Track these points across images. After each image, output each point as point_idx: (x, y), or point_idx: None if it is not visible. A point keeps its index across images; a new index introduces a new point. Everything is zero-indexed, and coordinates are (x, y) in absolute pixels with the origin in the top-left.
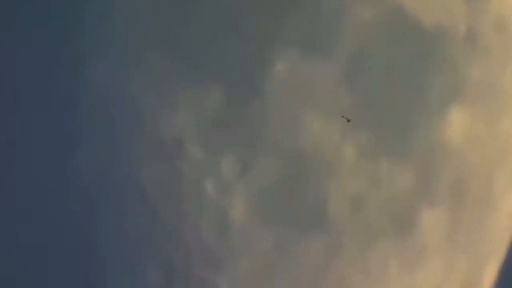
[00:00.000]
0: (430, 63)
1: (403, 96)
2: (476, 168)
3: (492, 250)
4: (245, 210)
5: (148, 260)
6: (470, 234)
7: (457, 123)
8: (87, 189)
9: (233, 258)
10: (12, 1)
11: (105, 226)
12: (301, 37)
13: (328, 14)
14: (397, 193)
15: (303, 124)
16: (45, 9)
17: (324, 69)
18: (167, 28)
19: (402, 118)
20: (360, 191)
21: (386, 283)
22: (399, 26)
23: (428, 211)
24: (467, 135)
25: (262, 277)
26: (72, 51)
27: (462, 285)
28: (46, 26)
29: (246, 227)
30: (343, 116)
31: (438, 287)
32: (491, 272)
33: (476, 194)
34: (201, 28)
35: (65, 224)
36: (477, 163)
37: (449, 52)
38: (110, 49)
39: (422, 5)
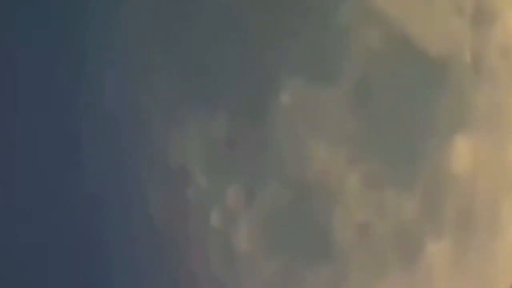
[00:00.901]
0: (436, 90)
1: (409, 124)
2: (483, 196)
3: (499, 279)
4: (251, 238)
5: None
6: (476, 263)
7: (463, 151)
8: (91, 213)
9: (238, 286)
10: (12, 1)
11: (110, 253)
12: (307, 65)
13: (334, 41)
14: (403, 222)
15: (309, 153)
16: (45, 9)
17: (330, 96)
18: (173, 51)
19: (408, 146)
20: (366, 220)
21: None
22: (405, 53)
23: (434, 240)
24: (473, 163)
25: None
26: (72, 51)
27: None
28: (46, 27)
29: (251, 256)
30: None
31: None
32: None
33: (482, 222)
34: (206, 55)
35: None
36: (483, 192)
37: (455, 79)
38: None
39: (428, 32)
